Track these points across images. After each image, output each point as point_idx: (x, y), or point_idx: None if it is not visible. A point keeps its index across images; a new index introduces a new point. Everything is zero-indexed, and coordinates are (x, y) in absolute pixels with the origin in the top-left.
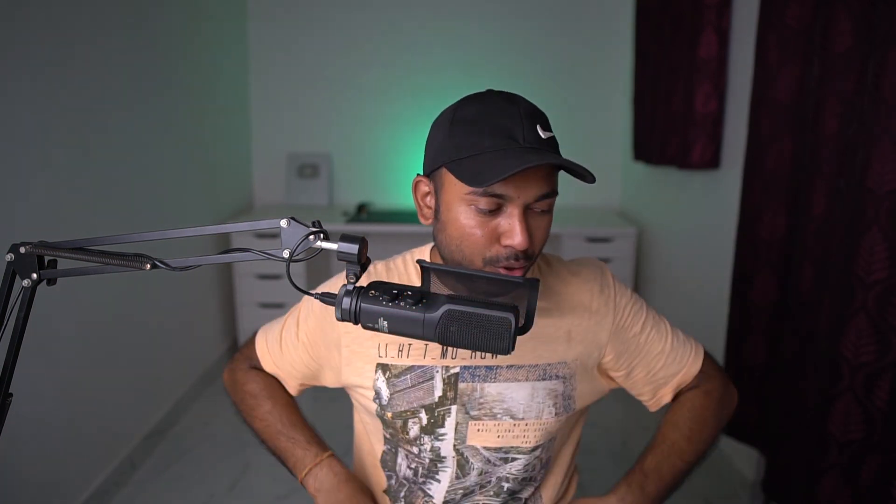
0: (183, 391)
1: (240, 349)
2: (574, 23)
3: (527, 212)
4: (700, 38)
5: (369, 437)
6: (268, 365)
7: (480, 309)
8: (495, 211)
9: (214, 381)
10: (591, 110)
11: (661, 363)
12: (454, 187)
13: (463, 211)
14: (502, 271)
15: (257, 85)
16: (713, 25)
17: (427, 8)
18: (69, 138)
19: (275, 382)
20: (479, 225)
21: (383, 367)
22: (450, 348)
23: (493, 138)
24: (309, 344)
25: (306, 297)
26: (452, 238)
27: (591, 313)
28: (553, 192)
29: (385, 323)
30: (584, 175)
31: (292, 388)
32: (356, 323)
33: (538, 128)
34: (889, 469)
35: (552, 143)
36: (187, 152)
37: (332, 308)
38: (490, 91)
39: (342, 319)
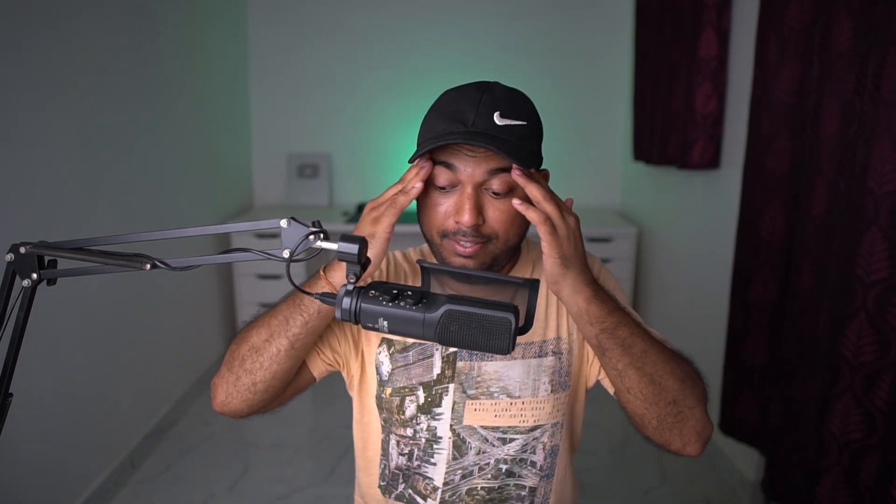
0: (183, 391)
1: None
2: (574, 23)
3: (481, 192)
4: (700, 38)
5: (365, 434)
6: None
7: (480, 309)
8: (452, 190)
9: None
10: (591, 110)
11: None
12: None
13: (427, 190)
14: (455, 246)
15: (257, 85)
16: (713, 25)
17: (427, 8)
18: (69, 138)
19: None
20: (439, 202)
21: (388, 342)
22: None
23: (444, 123)
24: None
25: None
26: (421, 217)
27: None
28: (508, 172)
29: (385, 323)
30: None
31: (318, 364)
32: (356, 323)
33: (496, 114)
34: (889, 469)
35: (510, 130)
36: (187, 152)
37: None
38: (475, 82)
39: (342, 319)
